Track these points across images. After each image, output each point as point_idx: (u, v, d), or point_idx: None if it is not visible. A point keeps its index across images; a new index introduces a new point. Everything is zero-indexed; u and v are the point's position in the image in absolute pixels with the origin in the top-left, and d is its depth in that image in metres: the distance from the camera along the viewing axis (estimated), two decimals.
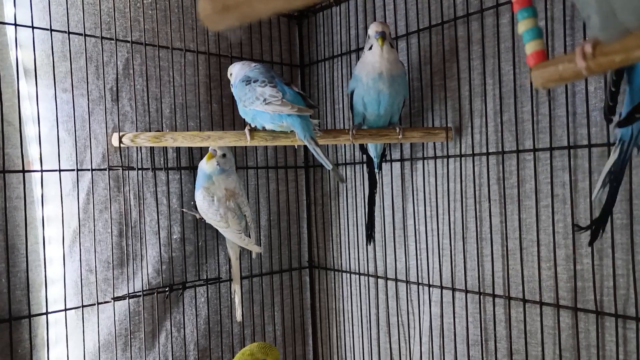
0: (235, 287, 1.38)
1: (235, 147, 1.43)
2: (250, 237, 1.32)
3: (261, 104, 1.09)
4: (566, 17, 1.01)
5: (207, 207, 1.26)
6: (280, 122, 1.11)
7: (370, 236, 1.36)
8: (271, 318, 1.53)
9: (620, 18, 0.45)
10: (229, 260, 1.39)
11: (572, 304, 1.03)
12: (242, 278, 1.43)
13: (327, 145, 1.56)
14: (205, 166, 1.27)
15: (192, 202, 1.34)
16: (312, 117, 1.14)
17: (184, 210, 1.33)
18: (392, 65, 1.14)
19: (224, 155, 1.28)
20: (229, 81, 1.42)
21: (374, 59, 1.14)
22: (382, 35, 1.12)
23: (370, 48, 1.14)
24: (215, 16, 0.49)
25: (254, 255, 1.40)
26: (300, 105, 1.08)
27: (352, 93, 1.22)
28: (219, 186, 1.27)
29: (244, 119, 1.18)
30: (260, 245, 1.48)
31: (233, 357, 1.43)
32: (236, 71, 1.21)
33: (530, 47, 0.56)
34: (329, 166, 1.11)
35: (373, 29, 1.14)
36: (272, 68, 1.53)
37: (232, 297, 1.42)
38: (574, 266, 1.02)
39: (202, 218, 1.32)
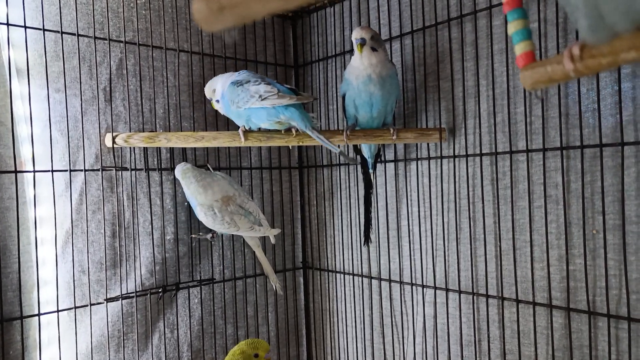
0: (271, 280, 1.43)
1: (229, 148, 1.43)
2: (262, 225, 1.32)
3: (257, 101, 1.08)
4: (559, 19, 1.02)
5: (213, 222, 1.26)
6: (278, 118, 1.10)
7: (367, 237, 1.36)
8: (265, 319, 1.53)
9: (608, 21, 0.46)
10: (254, 256, 1.43)
11: (564, 304, 1.03)
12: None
13: (321, 146, 1.55)
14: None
15: (186, 203, 1.33)
16: (306, 111, 1.14)
17: (193, 236, 1.36)
18: (379, 68, 1.15)
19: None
20: None
21: (359, 63, 1.15)
22: (361, 42, 1.13)
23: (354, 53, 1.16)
24: (210, 17, 0.49)
25: (272, 241, 1.38)
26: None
27: (344, 96, 1.22)
28: (208, 197, 1.25)
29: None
30: (273, 226, 1.50)
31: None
32: (222, 81, 1.20)
33: (520, 48, 0.56)
34: (336, 150, 1.10)
35: (353, 35, 1.15)
36: (265, 69, 1.54)
37: (274, 289, 1.46)
38: (566, 266, 1.03)
39: (213, 236, 1.35)
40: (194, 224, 1.37)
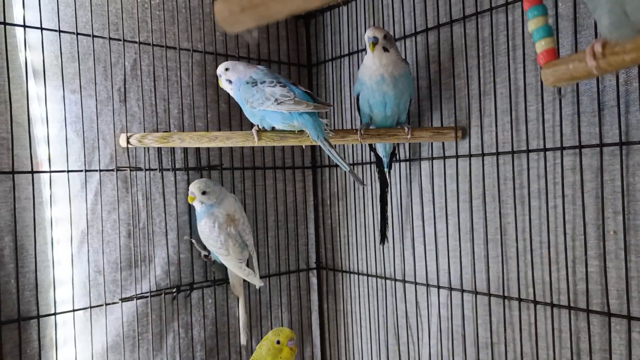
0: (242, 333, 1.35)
1: (242, 147, 1.43)
2: (250, 267, 1.29)
3: (273, 104, 1.08)
4: (575, 15, 1.00)
5: (208, 233, 1.24)
6: (292, 122, 1.10)
7: (384, 236, 1.35)
8: (278, 319, 1.52)
9: (632, 18, 0.45)
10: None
11: (582, 306, 1.02)
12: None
13: (336, 145, 1.55)
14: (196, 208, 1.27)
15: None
16: (320, 117, 1.13)
17: (189, 239, 1.32)
18: (392, 67, 1.14)
19: (203, 193, 1.23)
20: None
21: (371, 63, 1.15)
22: (374, 41, 1.12)
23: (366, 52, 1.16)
24: (231, 18, 0.49)
25: (257, 287, 1.35)
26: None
27: (357, 96, 1.22)
28: (219, 213, 1.24)
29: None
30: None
31: (239, 358, 1.43)
32: (242, 69, 1.18)
33: (541, 46, 0.55)
34: (345, 168, 1.10)
35: (366, 34, 1.15)
36: (278, 68, 1.53)
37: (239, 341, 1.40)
38: (585, 268, 1.01)
39: (207, 256, 1.32)
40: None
